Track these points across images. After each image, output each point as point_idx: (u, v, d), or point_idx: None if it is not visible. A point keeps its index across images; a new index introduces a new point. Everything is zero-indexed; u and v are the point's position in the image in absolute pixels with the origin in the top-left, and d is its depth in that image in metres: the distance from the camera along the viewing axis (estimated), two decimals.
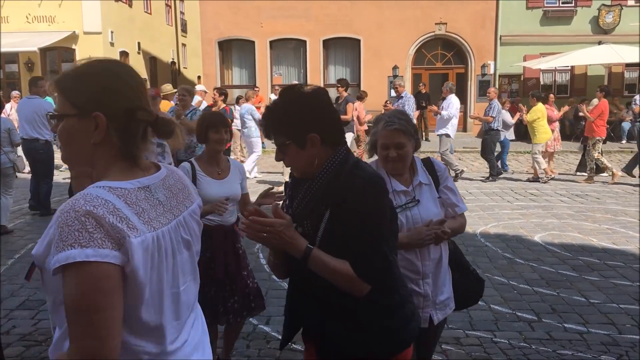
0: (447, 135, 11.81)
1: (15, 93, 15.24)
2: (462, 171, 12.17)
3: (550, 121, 12.17)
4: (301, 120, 2.01)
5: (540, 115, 11.66)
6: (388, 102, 12.78)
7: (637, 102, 11.62)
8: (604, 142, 12.41)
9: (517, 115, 13.00)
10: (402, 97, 11.53)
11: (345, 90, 11.38)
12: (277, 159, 2.11)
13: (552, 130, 12.27)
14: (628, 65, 20.11)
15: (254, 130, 11.96)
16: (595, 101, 12.76)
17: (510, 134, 13.39)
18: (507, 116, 13.04)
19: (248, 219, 1.93)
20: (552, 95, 13.62)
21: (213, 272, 3.73)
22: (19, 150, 8.48)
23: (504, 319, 4.87)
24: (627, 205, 9.43)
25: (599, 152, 11.57)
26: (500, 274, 5.94)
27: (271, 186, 4.29)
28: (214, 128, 3.75)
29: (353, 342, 2.06)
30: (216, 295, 3.74)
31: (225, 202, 3.62)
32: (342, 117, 11.27)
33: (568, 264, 6.31)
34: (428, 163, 2.88)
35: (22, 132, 8.60)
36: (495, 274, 5.91)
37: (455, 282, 2.97)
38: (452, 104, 11.87)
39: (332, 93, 18.68)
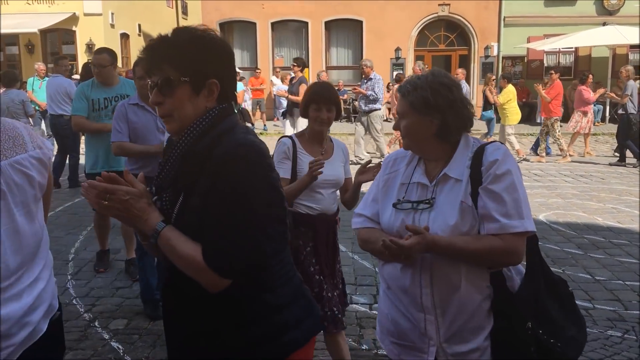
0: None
1: (39, 65, 14.45)
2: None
3: (586, 103, 12.11)
4: (207, 59, 1.70)
5: (511, 96, 11.77)
6: (357, 88, 11.98)
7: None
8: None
9: (598, 94, 12.50)
10: (370, 78, 11.09)
11: (301, 71, 10.98)
12: (154, 101, 1.74)
13: (587, 113, 12.18)
14: (632, 46, 19.93)
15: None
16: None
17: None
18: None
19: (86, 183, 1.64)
20: (590, 76, 12.95)
21: (316, 269, 3.22)
22: (39, 122, 9.71)
23: None
24: (632, 185, 9.39)
25: (559, 132, 11.72)
26: None
27: (369, 159, 4.06)
28: (315, 104, 3.23)
29: (213, 347, 1.71)
30: (320, 296, 3.17)
31: (320, 161, 3.08)
32: (292, 97, 11.10)
33: (573, 242, 6.29)
34: (479, 151, 2.03)
35: (49, 109, 9.35)
36: None
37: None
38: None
39: (334, 76, 18.56)
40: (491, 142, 2.12)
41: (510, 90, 11.83)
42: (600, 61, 19.76)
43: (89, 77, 5.89)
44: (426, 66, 13.16)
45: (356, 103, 12.50)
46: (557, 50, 20.65)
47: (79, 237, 6.62)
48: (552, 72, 12.22)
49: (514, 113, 11.83)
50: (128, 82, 5.36)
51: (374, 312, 4.45)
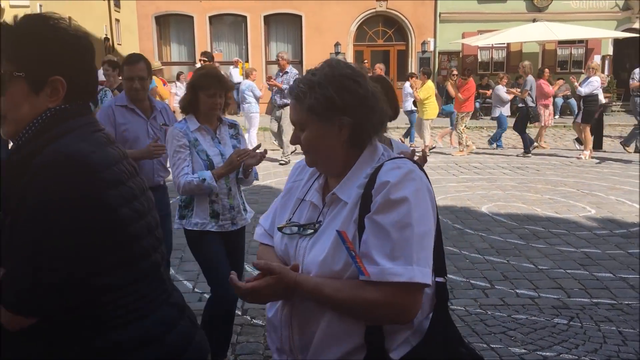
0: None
1: None
2: None
3: (546, 97, 12.48)
4: (50, 52, 1.48)
5: (431, 92, 12.18)
6: (273, 78, 11.51)
7: (637, 76, 11.94)
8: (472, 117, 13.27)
9: (513, 92, 12.94)
10: (287, 72, 10.81)
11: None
12: None
13: (547, 106, 12.52)
14: (561, 42, 20.81)
15: (254, 106, 11.82)
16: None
17: (506, 110, 13.22)
18: (502, 92, 13.01)
19: None
20: (547, 70, 13.51)
21: None
22: None
23: (459, 287, 4.97)
24: (566, 176, 9.80)
25: (465, 126, 12.21)
26: (452, 244, 6.05)
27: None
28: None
29: None
30: None
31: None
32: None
33: (515, 233, 6.50)
34: (378, 168, 1.61)
35: None
36: (447, 245, 6.02)
37: None
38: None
39: (275, 71, 18.34)
40: (395, 157, 1.64)
41: (430, 86, 12.21)
42: (531, 56, 20.47)
43: None
44: (368, 66, 13.30)
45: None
46: (491, 45, 21.28)
47: None
48: (422, 74, 12.62)
49: (432, 108, 12.21)
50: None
51: None
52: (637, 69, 12.03)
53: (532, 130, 13.12)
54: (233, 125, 3.60)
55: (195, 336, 1.67)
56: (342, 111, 1.59)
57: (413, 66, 21.61)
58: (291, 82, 10.56)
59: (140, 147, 3.92)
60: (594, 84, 11.46)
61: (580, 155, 11.59)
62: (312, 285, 1.56)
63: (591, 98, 11.46)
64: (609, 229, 6.62)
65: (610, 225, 6.77)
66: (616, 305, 4.58)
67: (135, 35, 22.94)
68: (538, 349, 3.86)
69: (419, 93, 12.08)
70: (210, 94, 3.31)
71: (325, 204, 1.67)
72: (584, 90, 11.38)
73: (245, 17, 21.54)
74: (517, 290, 4.87)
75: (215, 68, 3.62)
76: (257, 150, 3.46)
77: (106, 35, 26.55)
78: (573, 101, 18.51)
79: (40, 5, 19.82)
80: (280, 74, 11.06)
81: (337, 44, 21.20)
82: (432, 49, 21.61)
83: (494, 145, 13.13)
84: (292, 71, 11.03)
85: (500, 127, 13.04)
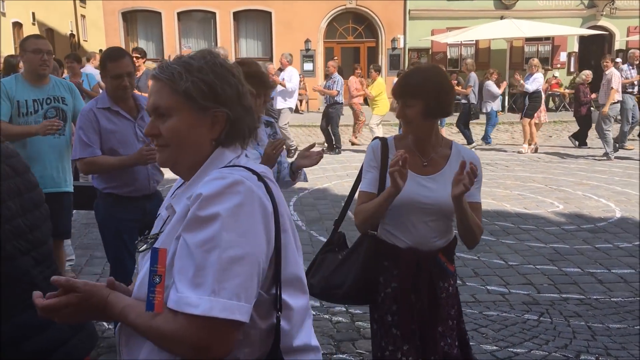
0: (290, 109, 11.52)
1: None
2: (297, 148, 11.31)
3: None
4: None
5: (382, 89, 12.27)
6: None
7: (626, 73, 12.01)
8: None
9: (504, 86, 13.00)
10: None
11: (144, 62, 8.93)
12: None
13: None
14: (528, 39, 21.09)
15: None
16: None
17: (497, 105, 13.12)
18: (493, 87, 12.90)
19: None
20: (494, 70, 13.80)
21: (395, 319, 2.49)
22: None
23: None
24: (534, 172, 9.93)
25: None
26: None
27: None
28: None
29: None
30: (393, 358, 2.48)
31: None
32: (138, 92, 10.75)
33: (485, 229, 6.47)
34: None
35: None
36: None
37: None
38: (294, 75, 11.51)
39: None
40: (227, 166, 1.43)
41: (381, 83, 12.30)
42: (499, 53, 20.76)
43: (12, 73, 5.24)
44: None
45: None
46: (459, 42, 21.46)
47: None
48: (372, 71, 12.66)
49: (383, 104, 12.29)
50: (61, 81, 4.40)
51: None
52: (625, 66, 12.12)
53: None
54: (269, 124, 3.26)
55: (70, 340, 1.63)
56: (221, 103, 1.42)
57: (384, 62, 21.67)
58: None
59: (130, 150, 3.53)
60: (539, 81, 11.80)
61: (520, 149, 11.93)
62: (119, 308, 1.36)
63: (536, 94, 11.74)
64: (576, 224, 6.71)
65: (578, 221, 6.87)
66: (585, 300, 4.64)
67: (102, 31, 22.53)
68: (509, 346, 3.87)
69: (371, 90, 12.10)
70: (253, 95, 2.74)
71: (169, 214, 1.47)
72: (531, 87, 11.64)
73: (214, 14, 21.32)
74: (488, 287, 4.90)
75: (257, 65, 3.08)
76: (313, 150, 3.21)
77: (72, 31, 26.05)
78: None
79: (3, 1, 19.31)
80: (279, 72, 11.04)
81: (307, 41, 21.14)
82: (402, 45, 21.70)
83: (485, 143, 13.05)
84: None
85: (489, 123, 13.01)
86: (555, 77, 20.63)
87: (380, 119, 12.39)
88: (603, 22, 22.06)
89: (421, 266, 2.44)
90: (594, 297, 4.68)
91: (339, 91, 11.95)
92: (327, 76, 11.74)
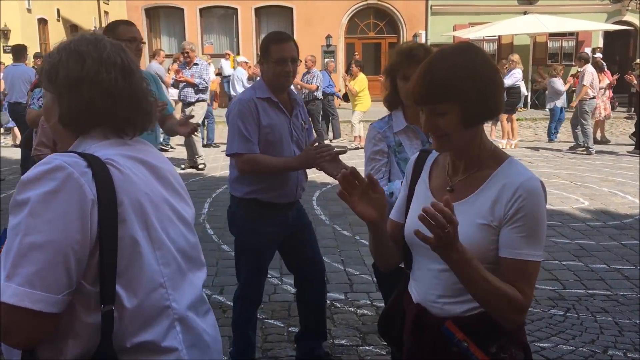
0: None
1: None
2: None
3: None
4: None
5: (364, 85, 12.25)
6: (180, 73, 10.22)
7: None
8: None
9: (569, 83, 12.72)
10: (196, 64, 9.76)
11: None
12: None
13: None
14: (551, 35, 20.86)
15: None
16: None
17: (561, 102, 12.59)
18: (558, 84, 12.52)
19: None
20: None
21: None
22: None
23: None
24: (558, 168, 9.84)
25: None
26: None
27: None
28: None
29: None
30: None
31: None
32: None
33: None
34: None
35: (10, 97, 9.77)
36: None
37: None
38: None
39: None
40: (68, 151, 1.40)
41: (363, 79, 12.27)
42: (522, 49, 20.51)
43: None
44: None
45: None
46: (482, 38, 21.29)
47: None
48: (354, 67, 12.46)
49: (365, 101, 12.25)
50: (146, 73, 3.76)
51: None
52: None
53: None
54: None
55: None
56: (57, 86, 1.41)
57: None
58: (204, 75, 9.73)
59: (285, 153, 3.16)
60: (516, 76, 11.76)
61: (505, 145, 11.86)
62: None
63: (513, 90, 11.66)
64: (602, 221, 6.65)
65: (604, 217, 6.80)
66: (612, 296, 4.60)
67: None
68: (536, 340, 3.86)
69: (354, 85, 12.05)
70: None
71: None
72: (506, 81, 11.52)
73: (236, 10, 21.41)
74: None
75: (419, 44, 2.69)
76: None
77: (95, 27, 26.34)
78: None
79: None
80: (187, 67, 9.75)
81: (328, 37, 21.13)
82: (423, 41, 21.56)
83: (552, 138, 12.85)
84: (202, 63, 10.01)
85: (553, 120, 12.74)
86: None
87: (362, 116, 12.34)
88: (628, 17, 21.71)
89: (425, 333, 1.75)
90: (621, 293, 4.64)
91: (318, 86, 11.85)
92: (306, 70, 11.50)
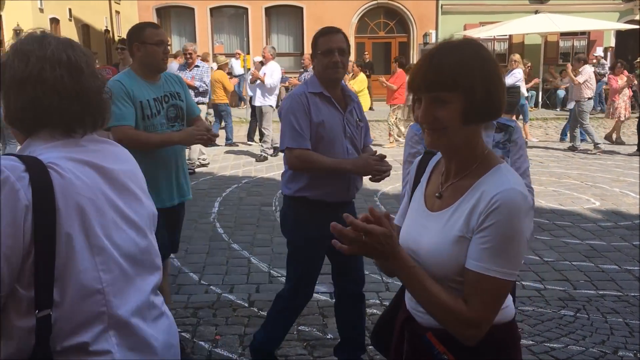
0: (272, 108, 10.71)
1: None
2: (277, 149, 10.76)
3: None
4: None
5: (365, 85, 12.24)
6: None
7: None
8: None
9: (535, 82, 12.53)
10: (197, 66, 9.52)
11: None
12: None
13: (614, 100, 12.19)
14: (563, 34, 20.74)
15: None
16: None
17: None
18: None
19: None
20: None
21: None
22: None
23: None
24: (569, 168, 9.79)
25: (396, 118, 12.25)
26: None
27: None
28: None
29: None
30: None
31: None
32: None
33: None
34: None
35: None
36: None
37: None
38: (275, 70, 10.69)
39: (281, 63, 18.40)
40: (17, 155, 1.40)
41: (363, 79, 12.31)
42: (533, 48, 20.45)
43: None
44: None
45: None
46: (492, 37, 21.21)
47: None
48: (355, 66, 12.58)
49: (365, 100, 12.26)
50: (170, 75, 3.66)
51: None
52: None
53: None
54: (504, 128, 2.49)
55: None
56: (3, 85, 1.42)
57: (415, 58, 21.53)
58: (205, 78, 9.50)
59: (337, 150, 3.05)
60: (517, 76, 11.67)
61: None
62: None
63: (513, 90, 11.57)
64: (613, 221, 6.61)
65: (615, 217, 6.77)
66: (622, 297, 4.58)
67: None
68: (545, 341, 3.86)
69: (354, 85, 12.04)
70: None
71: None
72: (507, 81, 11.51)
73: (246, 9, 21.47)
74: (523, 282, 4.86)
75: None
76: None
77: (106, 27, 26.51)
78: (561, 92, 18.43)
79: None
80: (187, 69, 9.44)
81: None
82: (433, 40, 21.50)
83: (582, 140, 12.21)
84: (204, 65, 9.71)
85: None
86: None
87: None
88: None
89: (409, 342, 1.72)
90: (632, 294, 4.62)
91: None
92: (262, 64, 10.89)
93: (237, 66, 18.12)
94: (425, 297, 1.48)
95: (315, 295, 4.56)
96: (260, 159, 10.48)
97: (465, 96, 1.49)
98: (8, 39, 18.97)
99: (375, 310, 4.32)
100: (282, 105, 3.16)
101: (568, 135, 12.47)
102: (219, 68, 11.54)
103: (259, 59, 14.17)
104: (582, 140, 12.06)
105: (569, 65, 12.21)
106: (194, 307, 4.37)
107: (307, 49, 21.17)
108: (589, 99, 11.41)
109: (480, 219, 1.46)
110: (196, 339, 3.92)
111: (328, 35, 3.03)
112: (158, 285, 1.57)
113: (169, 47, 3.43)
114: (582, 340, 3.87)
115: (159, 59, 3.39)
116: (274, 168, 9.75)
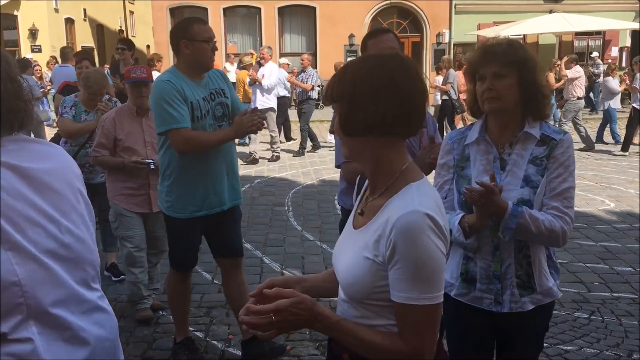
0: (272, 110, 10.55)
1: None
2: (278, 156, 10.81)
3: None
4: None
5: None
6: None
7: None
8: None
9: (625, 83, 12.36)
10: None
11: (132, 55, 7.88)
12: None
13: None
14: (578, 34, 20.58)
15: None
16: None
17: (615, 102, 12.11)
18: (612, 83, 12.09)
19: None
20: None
21: None
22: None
23: None
24: (584, 169, 9.71)
25: None
26: None
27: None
28: None
29: None
30: None
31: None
32: (301, 84, 11.29)
33: None
34: None
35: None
36: None
37: None
38: (273, 71, 10.57)
39: (293, 63, 18.44)
40: None
41: None
42: (548, 48, 20.29)
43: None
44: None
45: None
46: (507, 37, 21.07)
47: None
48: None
49: None
50: (214, 71, 3.44)
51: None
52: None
53: None
54: (547, 140, 2.15)
55: None
56: None
57: (428, 57, 21.47)
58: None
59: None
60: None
61: None
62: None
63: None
64: (628, 223, 6.56)
65: (630, 219, 6.71)
66: (637, 299, 4.54)
67: (150, 27, 23.05)
68: (559, 343, 3.83)
69: None
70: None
71: None
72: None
73: (259, 9, 21.53)
74: None
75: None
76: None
77: (120, 27, 26.70)
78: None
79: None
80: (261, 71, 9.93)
81: (351, 36, 21.12)
82: (447, 40, 21.45)
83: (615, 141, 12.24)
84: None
85: (613, 121, 12.24)
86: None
87: None
88: None
89: None
90: None
91: (313, 86, 11.59)
92: (260, 65, 10.93)
93: None
94: (360, 346, 1.45)
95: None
96: (273, 159, 10.57)
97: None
98: (24, 39, 19.18)
99: None
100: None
101: (617, 135, 12.26)
102: (244, 68, 11.37)
103: (284, 60, 14.17)
104: (617, 142, 11.97)
105: (562, 62, 12.38)
106: (207, 307, 4.40)
107: (320, 48, 21.21)
108: (579, 98, 11.62)
109: (389, 249, 1.41)
110: (209, 338, 3.95)
111: (378, 37, 2.93)
112: (93, 279, 1.60)
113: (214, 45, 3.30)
114: (596, 343, 3.84)
115: (208, 56, 3.24)
116: (287, 168, 9.77)
